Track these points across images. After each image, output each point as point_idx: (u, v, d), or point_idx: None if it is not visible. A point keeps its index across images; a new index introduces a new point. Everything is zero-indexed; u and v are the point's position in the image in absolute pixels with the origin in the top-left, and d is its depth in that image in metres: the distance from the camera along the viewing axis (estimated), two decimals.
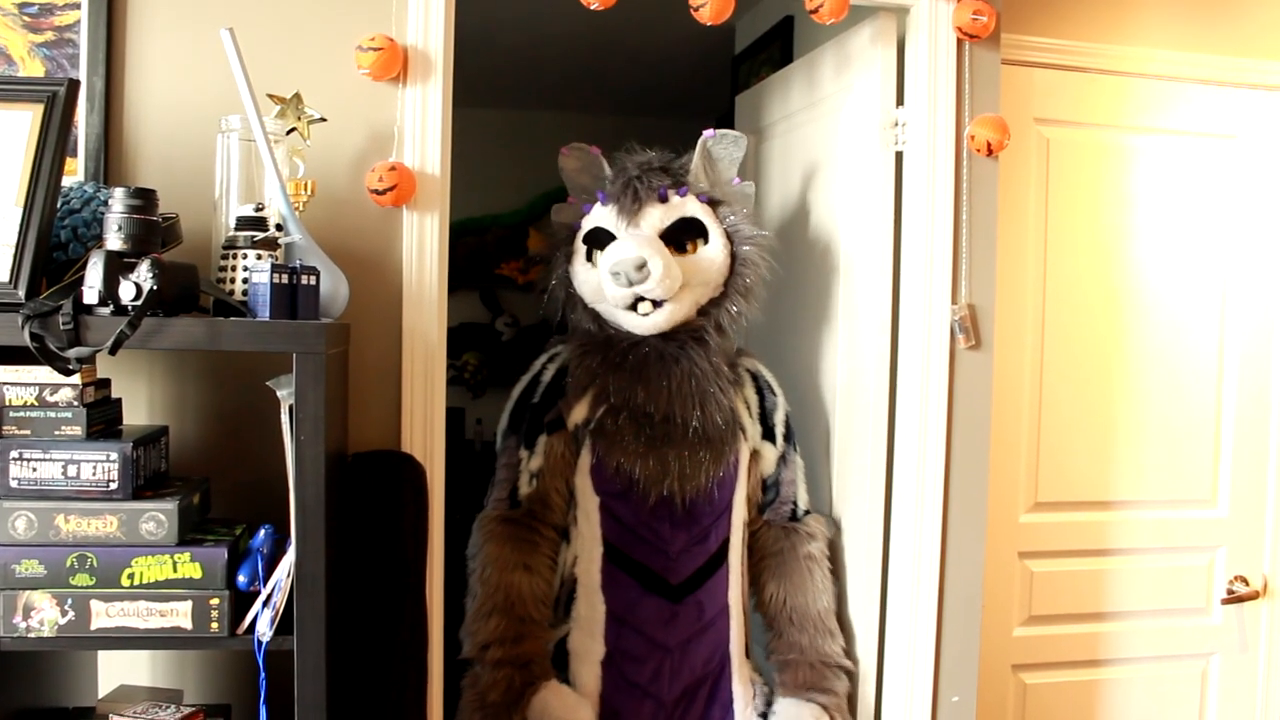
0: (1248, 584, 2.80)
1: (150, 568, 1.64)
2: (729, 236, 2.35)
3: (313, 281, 1.71)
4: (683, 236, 2.31)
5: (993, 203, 2.36)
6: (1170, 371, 2.75)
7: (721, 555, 2.37)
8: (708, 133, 2.37)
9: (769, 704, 2.36)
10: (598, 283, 2.30)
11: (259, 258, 1.76)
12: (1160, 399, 2.74)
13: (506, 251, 4.80)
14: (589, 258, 2.34)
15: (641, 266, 2.20)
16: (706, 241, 2.32)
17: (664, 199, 2.30)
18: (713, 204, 2.36)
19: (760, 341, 2.48)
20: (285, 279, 1.66)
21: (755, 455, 2.45)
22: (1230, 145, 2.77)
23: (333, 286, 1.84)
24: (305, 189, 1.93)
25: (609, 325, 2.35)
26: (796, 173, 2.83)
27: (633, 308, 2.26)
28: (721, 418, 2.34)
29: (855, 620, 2.49)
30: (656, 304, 2.26)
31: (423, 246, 2.07)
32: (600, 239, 2.33)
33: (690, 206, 2.32)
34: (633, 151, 2.38)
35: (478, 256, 4.76)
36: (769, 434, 2.46)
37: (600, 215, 2.34)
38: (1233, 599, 2.79)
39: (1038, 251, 2.65)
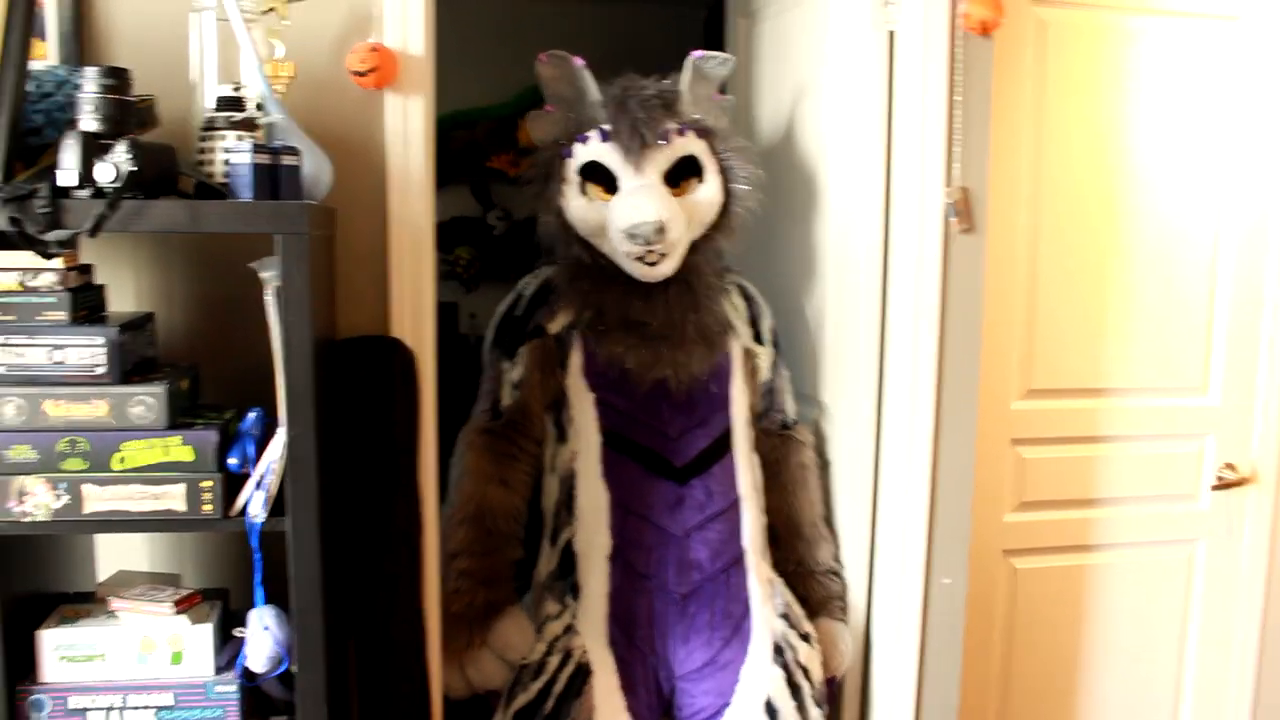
0: (1236, 471, 2.82)
1: (141, 451, 1.66)
2: (723, 172, 2.34)
3: (295, 162, 1.70)
4: (680, 175, 2.29)
5: (987, 84, 2.32)
6: (1165, 257, 2.73)
7: (725, 443, 2.38)
8: (696, 54, 2.34)
9: (788, 606, 2.38)
10: (596, 220, 2.28)
11: (239, 138, 1.74)
12: (1154, 285, 2.73)
13: (497, 144, 4.75)
14: (583, 190, 2.30)
15: (661, 230, 2.19)
16: (702, 180, 2.31)
17: (667, 140, 2.27)
18: (705, 134, 2.34)
19: (751, 227, 2.47)
20: (266, 159, 1.66)
21: (749, 356, 2.47)
22: (1232, 27, 2.71)
23: (316, 168, 1.82)
24: (284, 70, 1.90)
25: (602, 257, 2.34)
26: (788, 56, 2.79)
27: (640, 258, 2.25)
28: (713, 320, 2.37)
29: (846, 505, 2.52)
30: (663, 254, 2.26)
31: (408, 130, 2.05)
32: (598, 174, 2.29)
33: (690, 143, 2.30)
34: (626, 79, 2.32)
35: (468, 150, 4.70)
36: (758, 338, 2.50)
37: (598, 151, 2.28)
38: (1221, 485, 2.81)
39: (1033, 135, 2.60)
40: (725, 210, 2.36)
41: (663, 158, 2.27)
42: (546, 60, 2.34)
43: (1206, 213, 2.75)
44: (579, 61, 2.33)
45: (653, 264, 2.26)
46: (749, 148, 2.42)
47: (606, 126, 2.28)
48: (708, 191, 2.32)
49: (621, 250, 2.25)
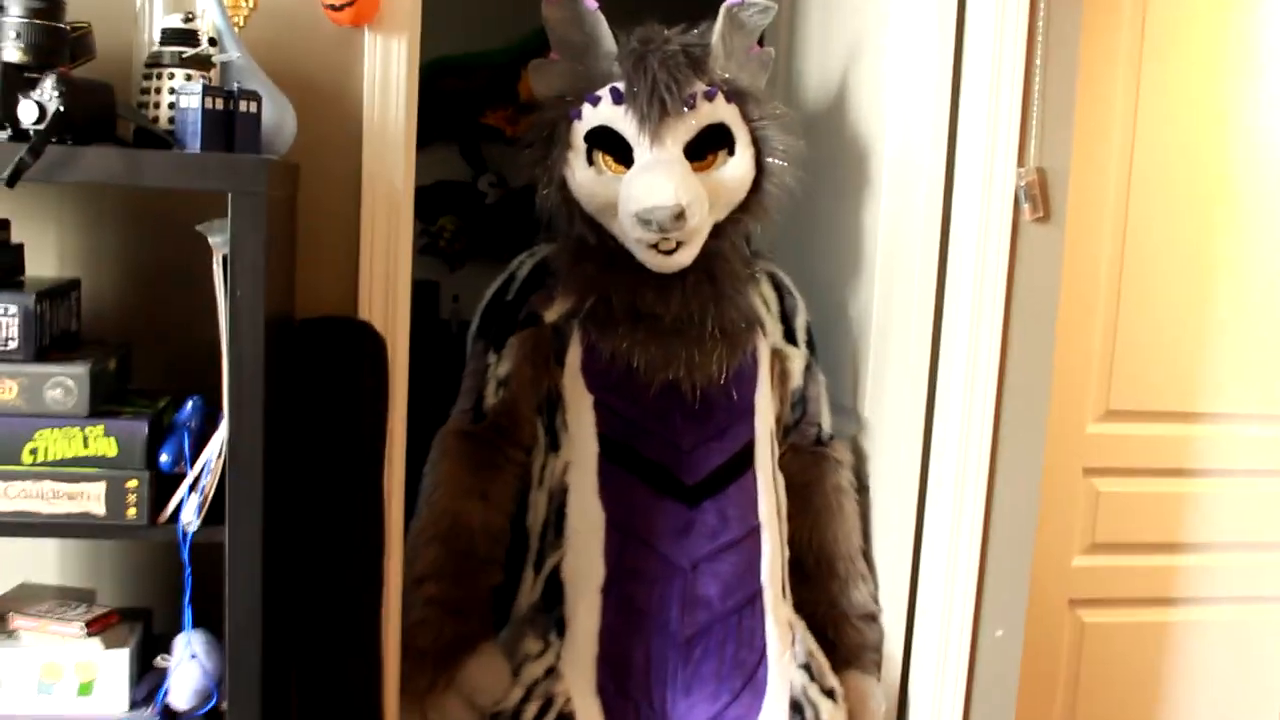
0: None
1: (56, 442, 1.65)
2: (756, 143, 2.34)
3: (253, 109, 1.71)
4: (705, 147, 2.29)
5: (1073, 47, 2.33)
6: None
7: (745, 459, 2.38)
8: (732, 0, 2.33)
9: (810, 655, 2.38)
10: (605, 195, 2.29)
11: (189, 78, 1.74)
12: (1264, 292, 2.71)
13: (493, 97, 4.73)
14: (590, 159, 2.30)
15: (680, 216, 2.18)
16: (731, 153, 2.31)
17: (692, 106, 2.26)
18: (738, 97, 2.33)
19: (787, 208, 2.47)
20: (220, 104, 1.66)
21: (779, 358, 2.48)
22: None
23: (277, 117, 1.82)
24: (245, 1, 1.90)
25: (611, 238, 2.35)
26: (842, 7, 2.80)
27: (654, 245, 2.26)
28: (738, 314, 2.37)
29: (884, 538, 2.53)
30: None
31: (387, 75, 2.05)
32: (609, 141, 2.29)
33: (718, 110, 2.30)
34: (647, 30, 2.31)
35: (458, 102, 4.69)
36: (790, 336, 2.51)
37: (610, 115, 2.28)
38: None
39: (1127, 108, 2.59)
40: (757, 187, 2.36)
41: (685, 127, 2.26)
42: (554, 0, 2.34)
43: None
44: (591, 4, 2.32)
45: (668, 253, 2.26)
46: (788, 115, 2.41)
47: (621, 86, 2.27)
48: (737, 166, 2.32)
49: (633, 236, 2.26)
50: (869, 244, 2.62)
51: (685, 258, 2.28)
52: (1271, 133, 2.67)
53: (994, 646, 2.44)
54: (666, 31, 2.31)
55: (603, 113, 2.29)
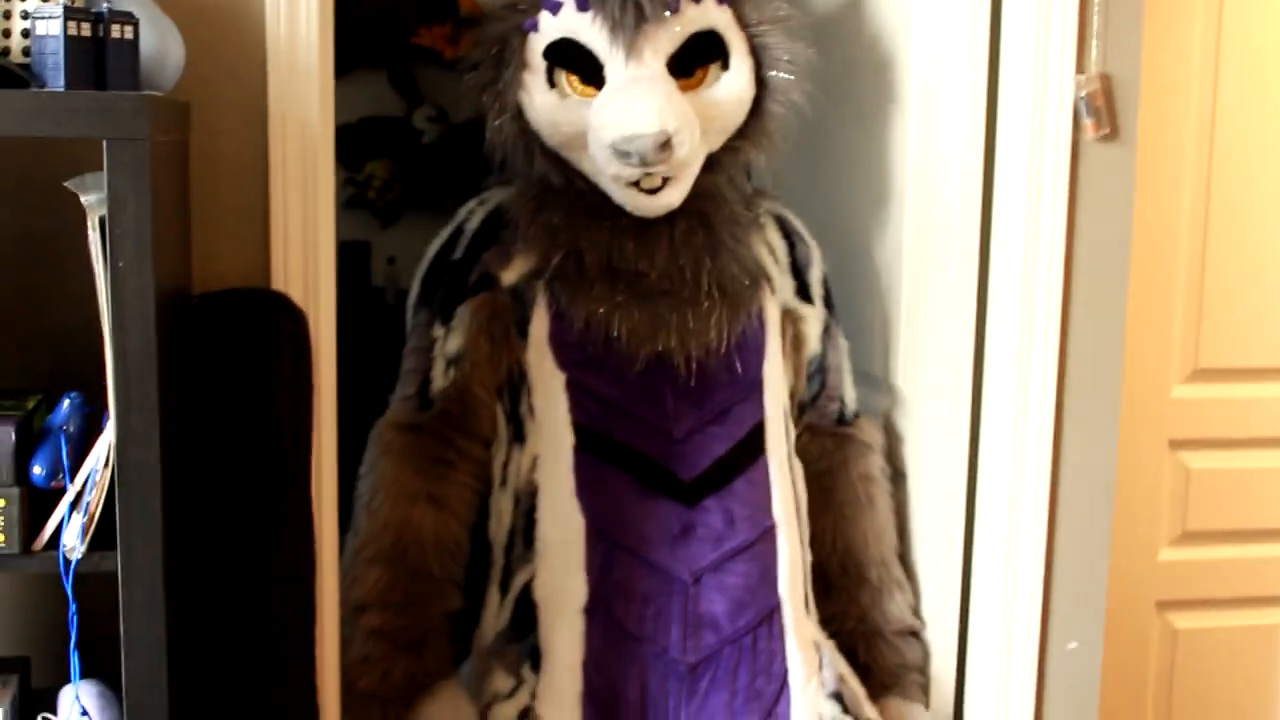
0: None
1: None
2: (755, 53, 2.35)
3: (129, 34, 1.69)
4: (693, 60, 2.30)
5: None
6: None
7: (754, 446, 2.39)
8: None
9: (841, 681, 2.38)
10: (571, 124, 2.30)
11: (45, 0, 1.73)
12: None
13: (427, 11, 4.72)
14: (551, 81, 2.31)
15: (666, 145, 2.18)
16: (726, 67, 2.33)
17: (675, 9, 2.26)
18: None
19: (795, 134, 2.46)
20: (87, 30, 1.64)
21: (791, 319, 2.50)
22: None
23: (160, 44, 1.81)
24: None
25: (580, 177, 2.36)
26: None
27: (634, 182, 2.26)
28: (739, 268, 2.38)
29: (928, 536, 2.55)
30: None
31: None
32: (574, 58, 2.29)
33: (708, 13, 2.31)
34: None
35: (385, 19, 4.67)
36: (804, 293, 2.52)
37: (574, 24, 2.28)
38: None
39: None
40: (758, 108, 2.37)
41: (668, 36, 2.27)
42: None
43: None
44: None
45: (652, 191, 2.27)
46: (794, 17, 2.41)
47: None
48: (734, 82, 2.33)
49: (608, 172, 2.26)
50: (896, 174, 2.63)
51: (673, 198, 2.28)
52: None
53: (1066, 662, 2.46)
54: None
55: (565, 22, 2.29)
